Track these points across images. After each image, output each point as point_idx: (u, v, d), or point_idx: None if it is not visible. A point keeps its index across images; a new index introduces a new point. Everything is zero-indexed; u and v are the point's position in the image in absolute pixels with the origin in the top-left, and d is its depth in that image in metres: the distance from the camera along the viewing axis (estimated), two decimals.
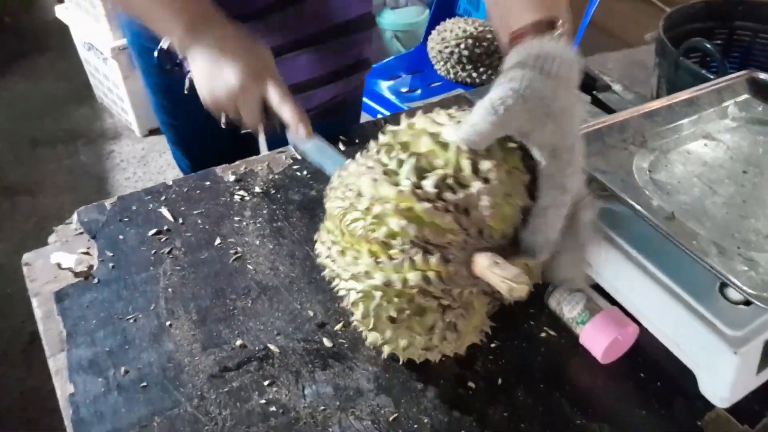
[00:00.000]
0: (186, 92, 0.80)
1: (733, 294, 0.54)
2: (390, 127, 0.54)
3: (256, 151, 1.18)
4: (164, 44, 0.74)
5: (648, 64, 1.82)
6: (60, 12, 2.23)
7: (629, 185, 0.61)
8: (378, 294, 0.49)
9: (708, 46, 1.43)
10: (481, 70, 1.50)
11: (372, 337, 0.54)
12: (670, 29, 1.69)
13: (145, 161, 2.23)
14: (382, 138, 0.55)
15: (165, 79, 0.90)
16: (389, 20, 2.60)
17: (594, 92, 0.98)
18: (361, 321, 0.53)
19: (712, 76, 1.48)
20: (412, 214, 0.47)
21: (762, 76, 0.78)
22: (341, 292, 0.53)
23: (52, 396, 0.54)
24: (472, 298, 0.51)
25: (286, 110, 0.66)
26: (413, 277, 0.47)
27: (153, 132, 2.33)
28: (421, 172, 0.48)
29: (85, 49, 2.29)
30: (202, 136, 1.02)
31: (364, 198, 0.49)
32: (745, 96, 0.76)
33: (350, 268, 0.50)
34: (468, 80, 1.54)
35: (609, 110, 0.97)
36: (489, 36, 1.47)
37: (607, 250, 0.59)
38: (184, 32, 0.67)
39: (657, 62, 1.60)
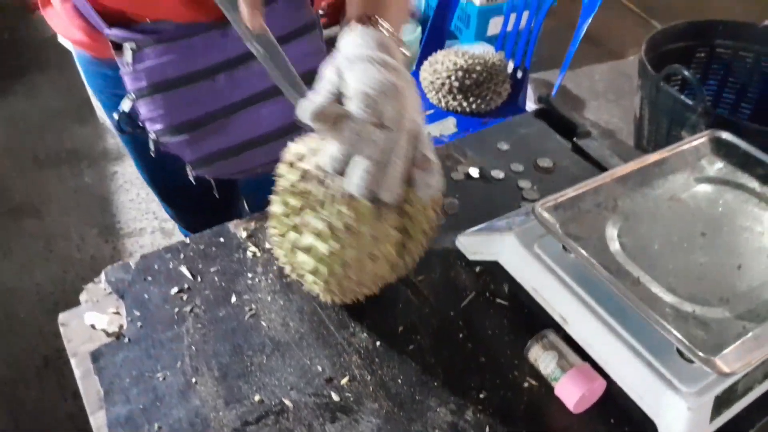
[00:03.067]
0: (152, 155, 0.82)
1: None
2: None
3: (237, 208, 1.18)
4: (125, 107, 0.75)
5: (634, 76, 1.87)
6: None
7: (600, 251, 0.69)
8: (278, 200, 0.65)
9: (686, 73, 1.51)
10: (471, 99, 1.59)
11: (309, 283, 0.68)
12: (652, 49, 1.77)
13: None
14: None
15: (136, 137, 0.87)
16: None
17: (574, 139, 1.06)
18: (284, 261, 0.69)
19: (690, 101, 1.57)
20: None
21: (724, 135, 0.85)
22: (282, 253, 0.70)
23: (69, 419, 0.61)
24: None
25: None
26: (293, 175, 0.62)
27: None
28: None
29: None
30: (183, 193, 1.02)
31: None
32: (708, 156, 0.84)
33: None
34: (458, 109, 1.62)
35: (587, 157, 1.04)
36: (478, 68, 1.56)
37: (581, 311, 0.67)
38: None
39: (639, 84, 1.68)
